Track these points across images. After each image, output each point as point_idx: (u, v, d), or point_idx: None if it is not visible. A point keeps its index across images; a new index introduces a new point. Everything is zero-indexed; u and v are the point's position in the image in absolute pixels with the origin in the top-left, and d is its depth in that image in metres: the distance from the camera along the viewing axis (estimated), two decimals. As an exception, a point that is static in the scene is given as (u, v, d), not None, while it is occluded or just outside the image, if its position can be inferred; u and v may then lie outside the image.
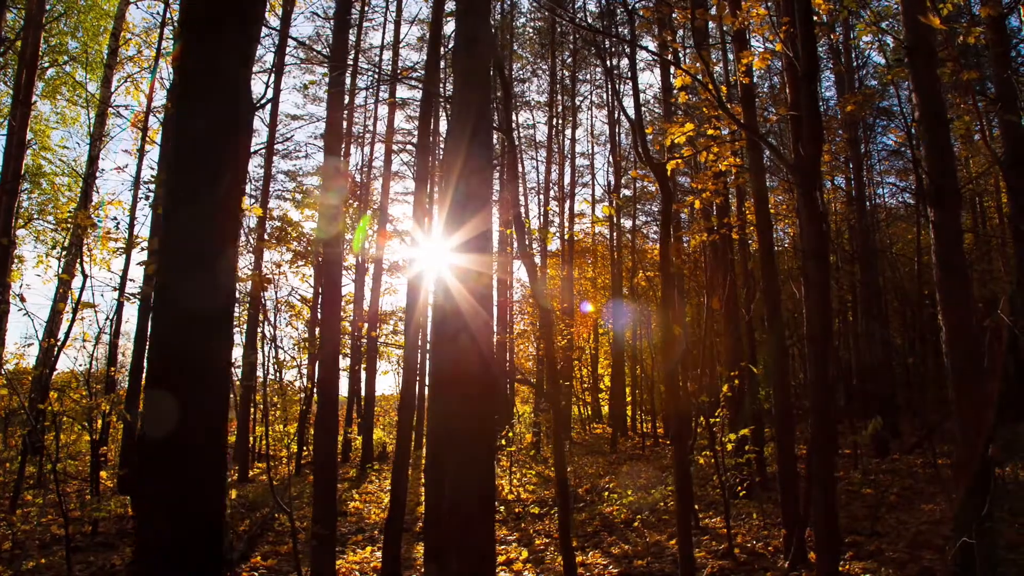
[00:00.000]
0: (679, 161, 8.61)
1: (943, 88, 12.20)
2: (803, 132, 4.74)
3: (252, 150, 17.57)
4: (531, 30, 23.93)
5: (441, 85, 10.71)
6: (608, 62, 14.67)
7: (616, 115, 21.91)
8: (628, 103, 31.12)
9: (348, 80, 18.06)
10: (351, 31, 18.82)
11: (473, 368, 3.99)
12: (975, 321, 6.15)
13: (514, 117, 23.23)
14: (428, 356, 9.68)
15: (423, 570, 6.99)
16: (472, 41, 4.75)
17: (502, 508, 11.07)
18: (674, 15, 8.22)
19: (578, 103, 24.59)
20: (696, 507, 9.33)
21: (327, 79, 8.16)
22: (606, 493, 11.29)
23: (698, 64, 6.61)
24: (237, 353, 17.27)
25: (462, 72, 4.82)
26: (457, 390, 4.07)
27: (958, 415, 5.39)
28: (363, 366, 19.06)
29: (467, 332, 4.12)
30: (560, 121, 24.38)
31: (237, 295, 15.65)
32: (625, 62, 24.62)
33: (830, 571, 4.06)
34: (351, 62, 17.85)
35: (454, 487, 4.05)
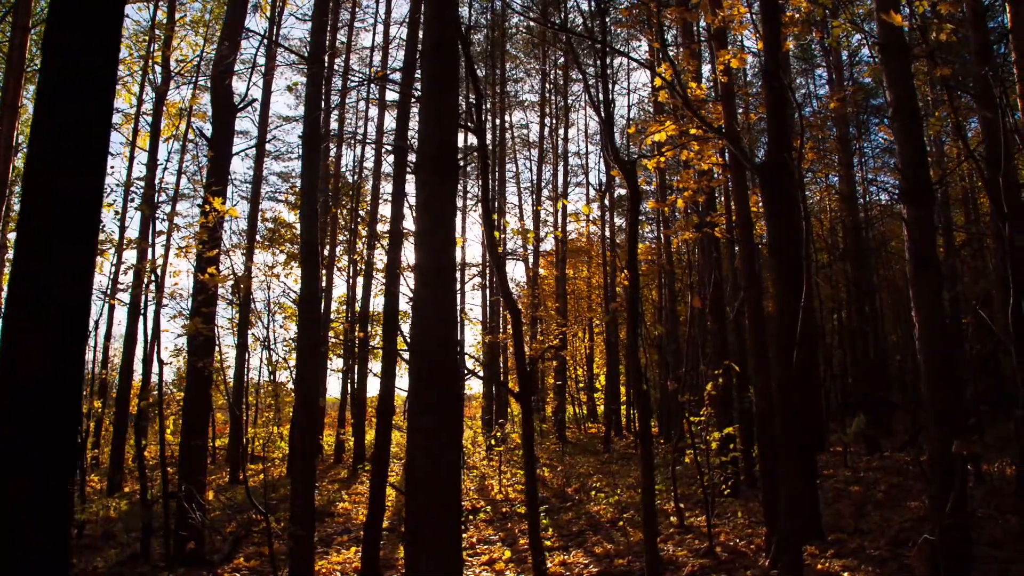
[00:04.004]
0: (661, 159, 8.62)
1: (931, 85, 12.19)
2: (768, 130, 4.74)
3: (242, 151, 17.60)
4: (523, 29, 23.92)
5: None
6: (599, 62, 14.66)
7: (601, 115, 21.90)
8: (620, 102, 31.05)
9: (339, 82, 18.08)
10: (342, 32, 18.87)
11: (435, 364, 4.00)
12: (951, 319, 6.15)
13: (506, 117, 23.24)
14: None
15: (404, 571, 7.00)
16: (440, 44, 4.77)
17: (489, 508, 11.07)
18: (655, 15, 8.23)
19: (571, 102, 24.59)
20: (682, 506, 9.32)
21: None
22: (594, 492, 11.29)
23: (665, 64, 6.63)
24: (231, 354, 17.29)
25: (430, 75, 4.85)
26: (424, 387, 4.10)
27: (931, 412, 5.38)
28: (356, 367, 19.06)
29: (440, 328, 4.15)
30: (553, 120, 24.37)
31: (231, 296, 15.57)
32: (618, 61, 24.62)
33: (794, 565, 4.07)
34: (341, 64, 17.86)
35: (421, 490, 4.07)
